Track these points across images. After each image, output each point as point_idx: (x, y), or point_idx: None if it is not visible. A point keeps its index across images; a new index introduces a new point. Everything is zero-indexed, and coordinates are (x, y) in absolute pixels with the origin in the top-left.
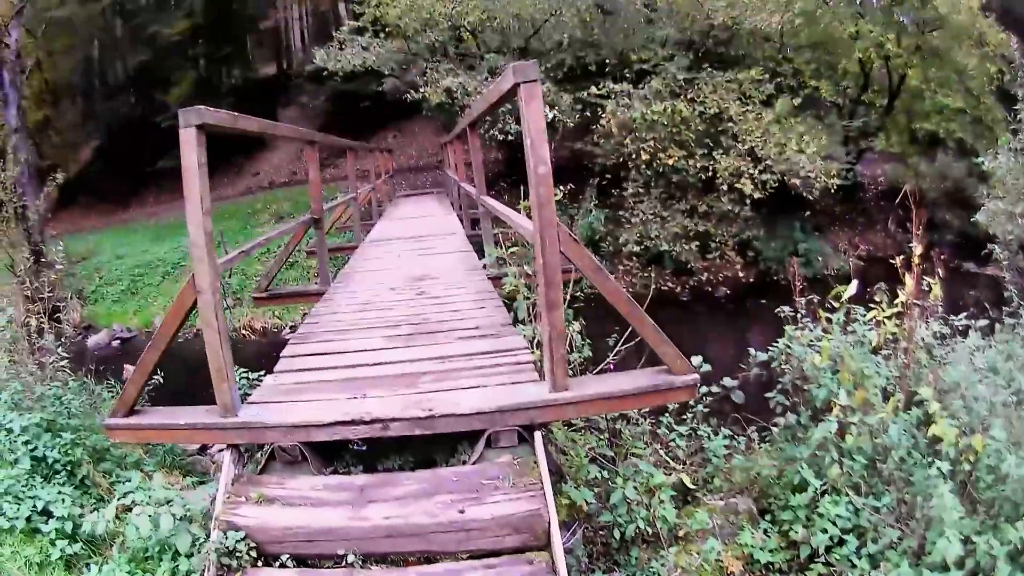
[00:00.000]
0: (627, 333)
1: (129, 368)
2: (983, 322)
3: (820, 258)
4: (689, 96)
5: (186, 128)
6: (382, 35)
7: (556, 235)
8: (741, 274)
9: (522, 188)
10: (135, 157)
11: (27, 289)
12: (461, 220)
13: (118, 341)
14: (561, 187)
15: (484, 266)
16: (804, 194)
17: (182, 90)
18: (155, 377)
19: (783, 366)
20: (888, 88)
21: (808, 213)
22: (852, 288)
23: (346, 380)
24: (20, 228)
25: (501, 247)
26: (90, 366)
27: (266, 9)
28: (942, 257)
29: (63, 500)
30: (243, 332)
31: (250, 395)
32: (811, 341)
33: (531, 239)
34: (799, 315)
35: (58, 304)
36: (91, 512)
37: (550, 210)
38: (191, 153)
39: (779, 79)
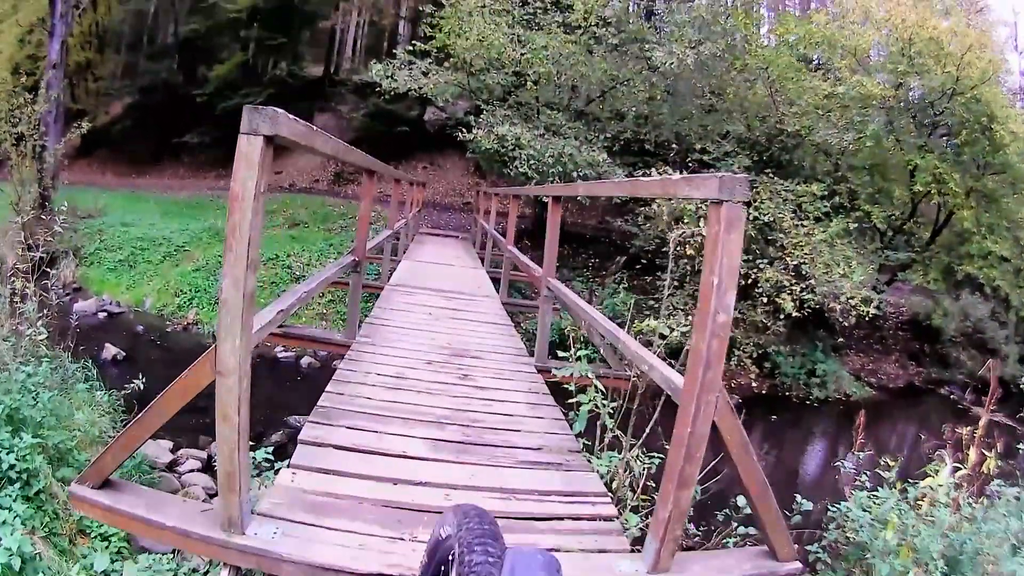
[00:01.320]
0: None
1: (111, 348)
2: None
3: (836, 381)
4: None
5: (250, 136)
6: (445, 64)
7: (715, 402)
8: (755, 384)
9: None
10: (164, 124)
11: (26, 233)
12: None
13: (104, 313)
14: (591, 259)
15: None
16: (838, 318)
17: (226, 69)
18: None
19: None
20: (934, 223)
21: (826, 333)
22: (946, 471)
23: (386, 504)
24: (35, 167)
25: (571, 346)
26: (70, 337)
27: (327, 9)
28: (952, 396)
29: (14, 522)
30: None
31: (258, 501)
32: (868, 505)
33: (675, 396)
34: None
35: (53, 255)
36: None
37: (717, 371)
38: (249, 172)
39: (836, 197)
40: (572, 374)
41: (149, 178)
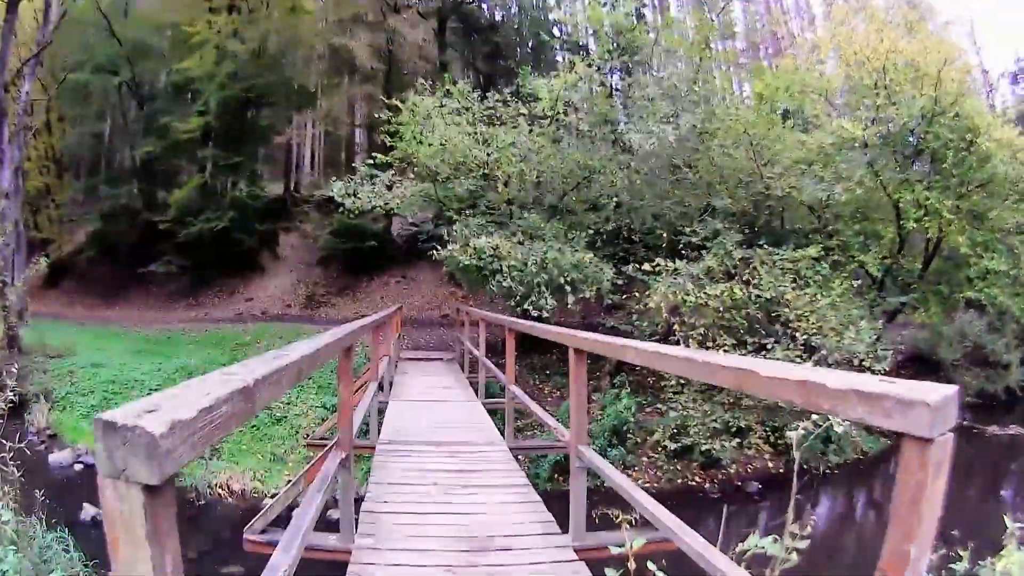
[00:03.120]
0: None
1: (89, 508)
2: None
3: (851, 442)
4: (744, 277)
5: (116, 484)
6: (409, 174)
7: None
8: (770, 464)
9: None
10: (128, 252)
11: None
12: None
13: (81, 465)
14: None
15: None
16: None
17: (184, 193)
18: None
19: None
20: (925, 251)
21: None
22: None
23: None
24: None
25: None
26: (44, 498)
27: (281, 123)
28: (964, 423)
29: None
30: (218, 491)
31: None
32: None
33: None
34: None
35: (24, 399)
36: None
37: None
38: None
39: (829, 254)
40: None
41: (119, 309)
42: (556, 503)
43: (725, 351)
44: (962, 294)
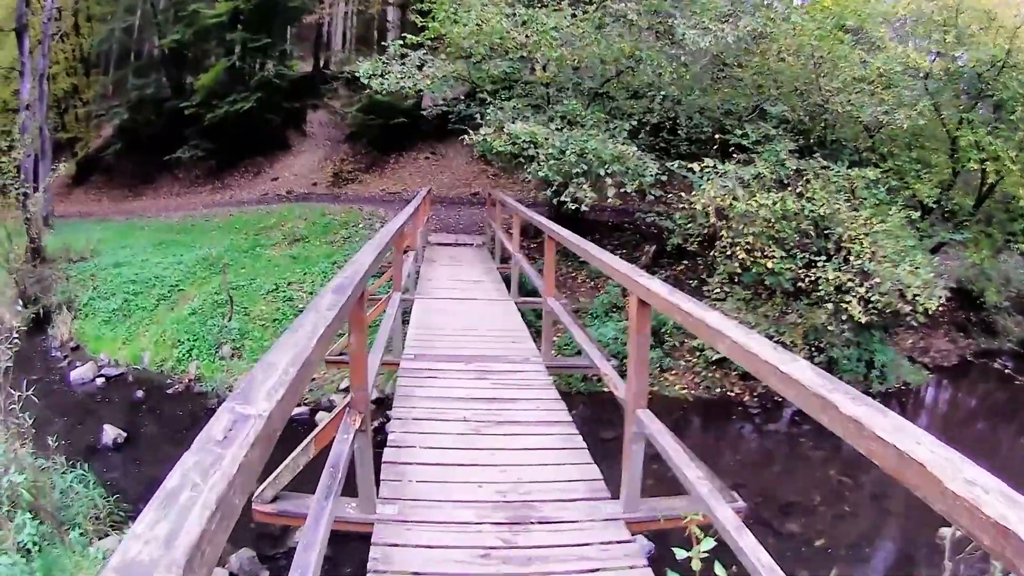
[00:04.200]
0: None
1: (109, 430)
2: None
3: (894, 370)
4: (797, 189)
5: None
6: (441, 54)
7: None
8: None
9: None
10: (155, 141)
11: (19, 289)
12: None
13: (103, 379)
14: (618, 250)
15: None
16: (912, 320)
17: (211, 77)
18: None
19: None
20: (978, 191)
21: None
22: None
23: None
24: (21, 217)
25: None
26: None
27: (312, 3)
28: (1006, 370)
29: None
30: None
31: None
32: None
33: None
34: None
35: (48, 310)
36: None
37: None
38: None
39: (886, 177)
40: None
41: (145, 199)
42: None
43: (773, 263)
44: (1017, 245)
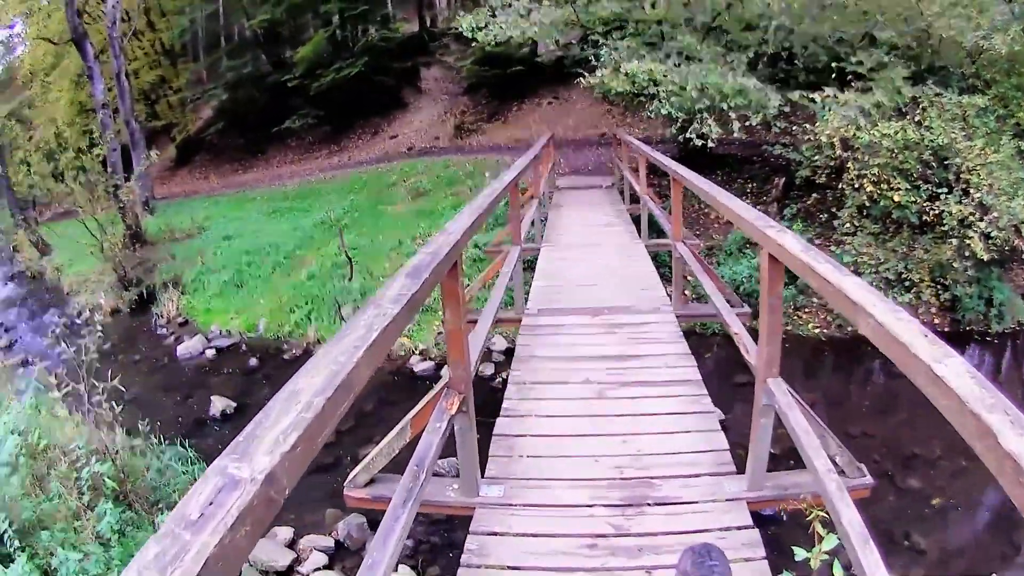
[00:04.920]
0: None
1: (217, 401)
2: None
3: (1011, 309)
4: (916, 119)
5: None
6: (547, 0)
7: None
8: (936, 321)
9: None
10: (260, 116)
11: (119, 274)
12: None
13: (212, 351)
14: (748, 183)
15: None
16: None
17: (310, 49)
18: None
19: None
20: None
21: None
22: None
23: None
24: (114, 207)
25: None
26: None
27: None
28: None
29: None
30: None
31: None
32: None
33: None
34: None
35: (152, 291)
36: None
37: None
38: None
39: (993, 105)
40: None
41: (256, 171)
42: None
43: (900, 196)
44: None
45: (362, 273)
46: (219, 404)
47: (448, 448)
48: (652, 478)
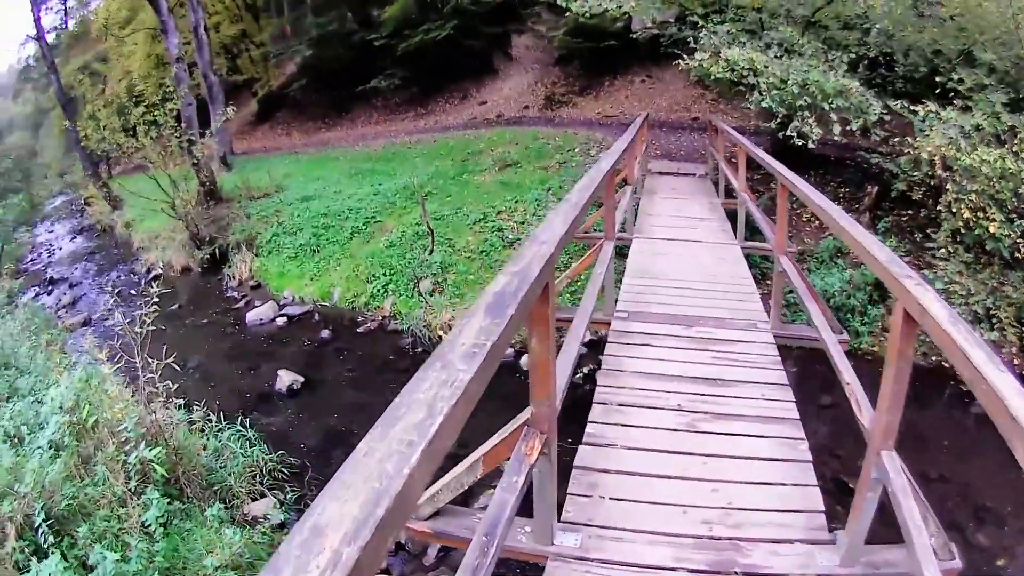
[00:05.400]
0: None
1: (284, 376)
2: None
3: None
4: (1013, 147)
5: None
6: None
7: None
8: (1016, 361)
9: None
10: (345, 74)
11: (191, 231)
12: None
13: (284, 319)
14: (841, 188)
15: None
16: None
17: (398, 8)
18: None
19: None
20: None
21: None
22: None
23: None
24: (188, 162)
25: None
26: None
27: None
28: None
29: None
30: (439, 333)
31: None
32: None
33: None
34: None
35: (224, 251)
36: None
37: None
38: None
39: None
40: None
41: (339, 130)
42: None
43: (995, 227)
44: None
45: (443, 245)
46: (286, 378)
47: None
48: (742, 540)
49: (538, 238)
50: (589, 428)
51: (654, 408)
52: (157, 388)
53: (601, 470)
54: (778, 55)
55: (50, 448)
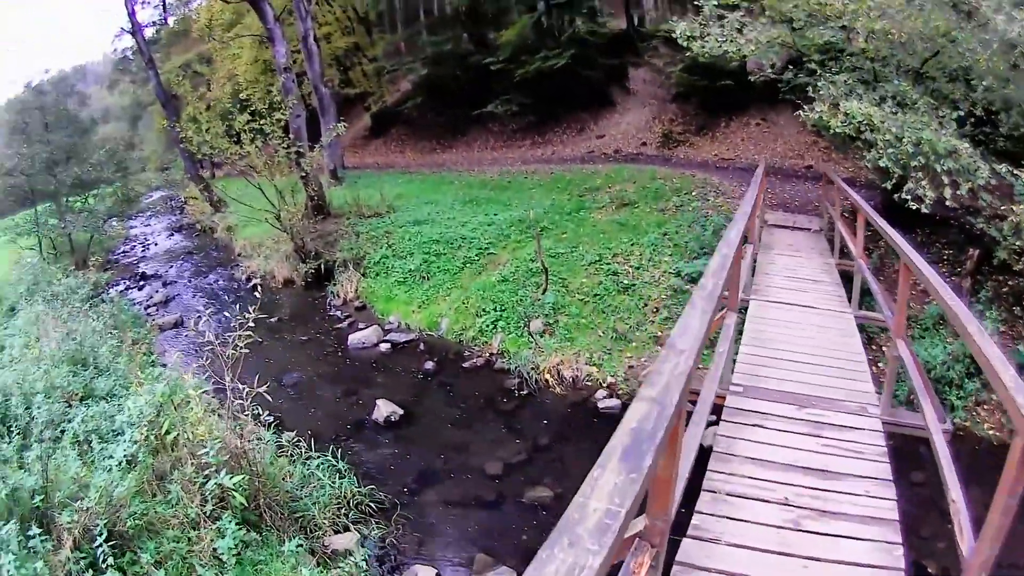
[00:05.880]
0: None
1: (383, 406)
2: None
3: None
4: None
5: None
6: (761, 18)
7: None
8: None
9: None
10: (461, 95)
11: (296, 244)
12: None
13: (387, 345)
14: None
15: None
16: None
17: (514, 33)
18: None
19: None
20: None
21: None
22: None
23: None
24: (296, 174)
25: None
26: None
27: None
28: None
29: None
30: (546, 377)
31: None
32: None
33: None
34: None
35: (330, 267)
36: None
37: None
38: None
39: None
40: None
41: (454, 152)
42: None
43: None
44: None
45: (556, 284)
46: (384, 408)
47: None
48: None
49: (676, 346)
50: (695, 519)
51: (762, 500)
52: (246, 408)
53: (704, 568)
54: (892, 109)
55: (122, 463)
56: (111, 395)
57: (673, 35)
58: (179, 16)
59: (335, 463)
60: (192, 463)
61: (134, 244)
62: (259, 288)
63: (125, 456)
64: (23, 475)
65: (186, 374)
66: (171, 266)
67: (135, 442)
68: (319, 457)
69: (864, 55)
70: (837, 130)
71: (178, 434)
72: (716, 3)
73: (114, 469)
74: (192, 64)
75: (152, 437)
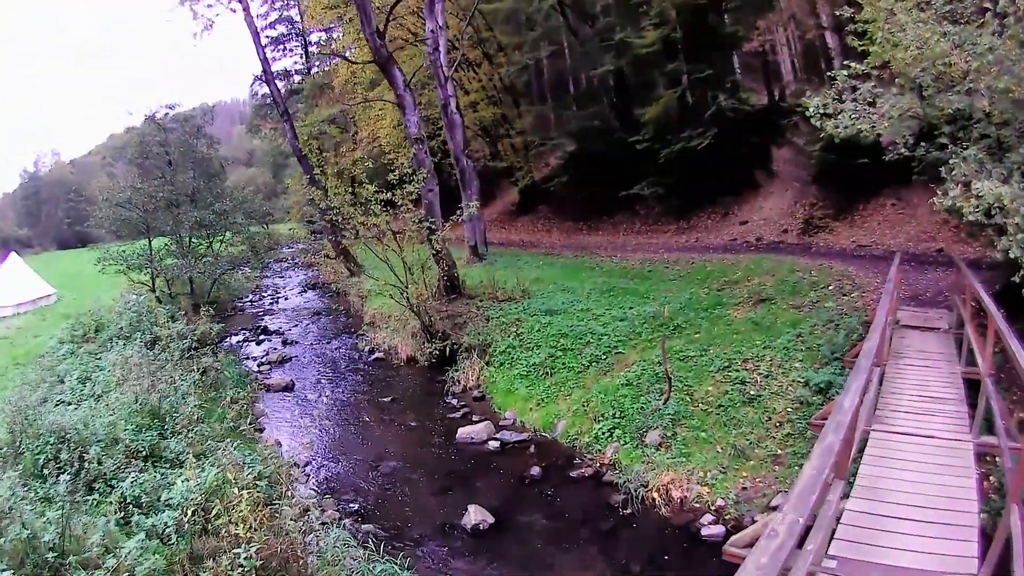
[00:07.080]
0: None
1: (474, 512)
2: None
3: None
4: None
5: None
6: (891, 87)
7: None
8: None
9: None
10: (606, 174)
11: (424, 321)
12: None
13: (497, 443)
14: None
15: None
16: None
17: (659, 109)
18: None
19: None
20: None
21: None
22: None
23: None
24: (429, 250)
25: None
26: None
27: (746, 29)
28: None
29: None
30: (652, 495)
31: None
32: None
33: None
34: None
35: (455, 350)
36: None
37: None
38: None
39: None
40: None
41: (600, 235)
42: None
43: None
44: None
45: (681, 392)
46: (474, 516)
47: None
48: None
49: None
50: None
51: None
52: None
53: None
54: (1022, 186)
55: (153, 541)
56: (179, 459)
57: (808, 113)
58: (321, 70)
59: (401, 570)
60: (227, 559)
61: (264, 294)
62: (380, 363)
63: (159, 534)
64: (43, 525)
65: (276, 443)
66: (296, 324)
67: (169, 524)
68: (385, 561)
69: (989, 120)
70: (970, 218)
71: (223, 524)
72: (847, 74)
73: (147, 545)
74: (336, 118)
75: (198, 517)
